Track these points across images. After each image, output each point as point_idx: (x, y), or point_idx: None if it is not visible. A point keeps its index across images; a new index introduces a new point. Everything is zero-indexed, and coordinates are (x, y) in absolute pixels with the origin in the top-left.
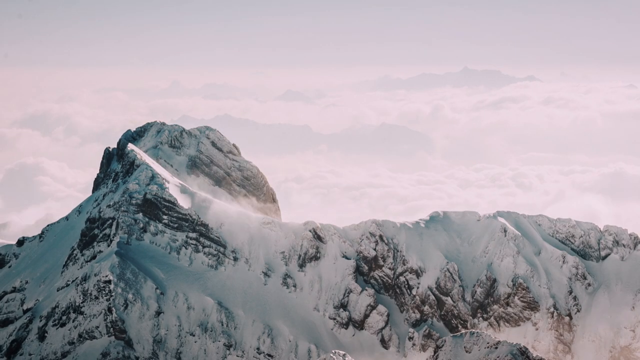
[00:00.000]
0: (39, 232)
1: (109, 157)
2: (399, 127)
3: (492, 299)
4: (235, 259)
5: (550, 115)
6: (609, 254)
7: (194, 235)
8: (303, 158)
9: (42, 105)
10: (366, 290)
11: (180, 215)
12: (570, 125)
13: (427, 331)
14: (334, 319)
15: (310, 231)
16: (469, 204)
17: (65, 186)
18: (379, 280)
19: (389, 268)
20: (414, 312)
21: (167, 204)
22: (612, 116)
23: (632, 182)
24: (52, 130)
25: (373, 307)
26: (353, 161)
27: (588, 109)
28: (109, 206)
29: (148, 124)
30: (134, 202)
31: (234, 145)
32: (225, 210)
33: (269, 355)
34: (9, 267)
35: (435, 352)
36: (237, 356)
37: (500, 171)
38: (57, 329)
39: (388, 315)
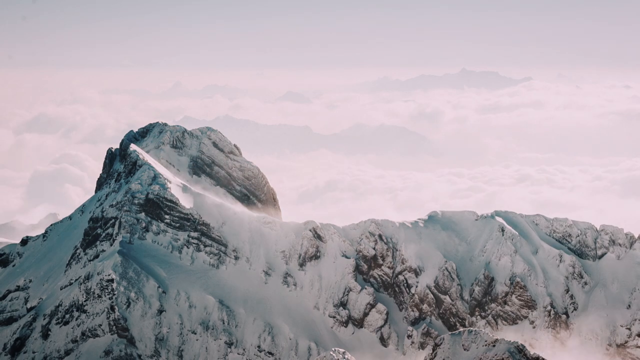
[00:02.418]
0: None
1: (111, 157)
2: (398, 128)
3: (489, 298)
4: (236, 258)
5: (551, 116)
6: (605, 253)
7: (195, 234)
8: (304, 159)
9: (46, 106)
10: (365, 289)
11: (182, 215)
12: (570, 125)
13: (425, 329)
14: (334, 317)
15: (310, 230)
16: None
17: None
18: (378, 279)
19: (388, 267)
20: (412, 311)
21: (169, 204)
22: (614, 116)
23: None
24: (57, 132)
25: (372, 306)
26: (354, 162)
27: (588, 109)
28: (111, 206)
29: (150, 124)
30: (136, 201)
31: (235, 145)
32: (226, 210)
33: (270, 353)
34: (13, 266)
35: (433, 350)
36: (238, 354)
37: (503, 172)
38: (60, 327)
39: (387, 313)
